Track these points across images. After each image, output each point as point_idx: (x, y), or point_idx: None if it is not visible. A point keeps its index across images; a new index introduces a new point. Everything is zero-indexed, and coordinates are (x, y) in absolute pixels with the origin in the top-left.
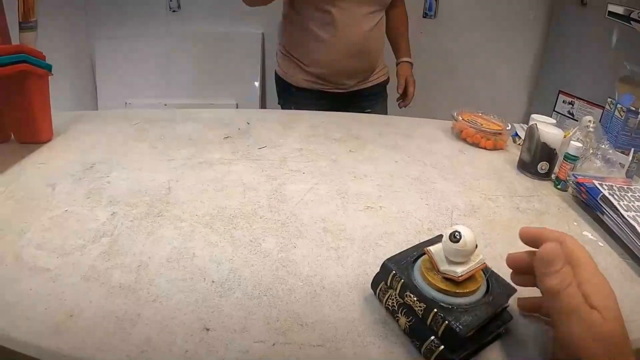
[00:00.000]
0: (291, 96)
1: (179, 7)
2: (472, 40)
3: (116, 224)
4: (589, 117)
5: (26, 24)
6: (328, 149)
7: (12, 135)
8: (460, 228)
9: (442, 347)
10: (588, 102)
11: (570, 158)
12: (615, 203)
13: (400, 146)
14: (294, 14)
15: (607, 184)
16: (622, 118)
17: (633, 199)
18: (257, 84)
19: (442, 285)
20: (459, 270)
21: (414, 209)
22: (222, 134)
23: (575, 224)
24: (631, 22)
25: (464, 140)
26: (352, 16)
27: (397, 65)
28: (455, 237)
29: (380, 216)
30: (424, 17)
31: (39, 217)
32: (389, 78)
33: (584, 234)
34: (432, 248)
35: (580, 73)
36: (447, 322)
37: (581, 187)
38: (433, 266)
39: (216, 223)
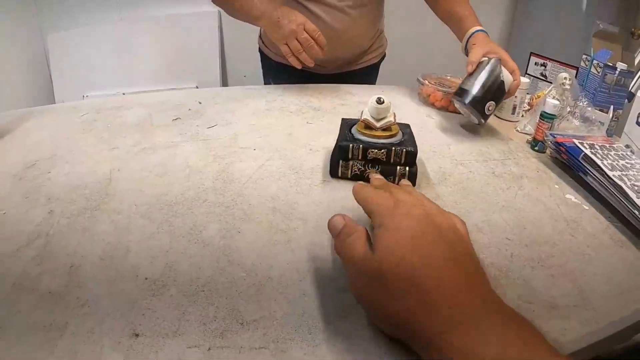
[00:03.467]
0: (270, 70)
1: None
2: None
3: (52, 223)
4: (564, 74)
5: None
6: (283, 122)
7: None
8: (378, 94)
9: (408, 167)
10: (561, 63)
11: (546, 117)
12: (599, 162)
13: None
14: None
15: (588, 142)
16: (599, 74)
17: (617, 158)
18: (217, 64)
19: (384, 134)
20: (391, 119)
21: None
22: (171, 116)
23: (556, 186)
24: None
25: (432, 105)
26: (331, 7)
27: (465, 47)
28: (380, 101)
29: (337, 190)
30: None
31: None
32: (385, 55)
33: (567, 197)
34: (365, 116)
35: (552, 34)
36: (405, 150)
37: (561, 147)
38: (371, 127)
39: (154, 212)
